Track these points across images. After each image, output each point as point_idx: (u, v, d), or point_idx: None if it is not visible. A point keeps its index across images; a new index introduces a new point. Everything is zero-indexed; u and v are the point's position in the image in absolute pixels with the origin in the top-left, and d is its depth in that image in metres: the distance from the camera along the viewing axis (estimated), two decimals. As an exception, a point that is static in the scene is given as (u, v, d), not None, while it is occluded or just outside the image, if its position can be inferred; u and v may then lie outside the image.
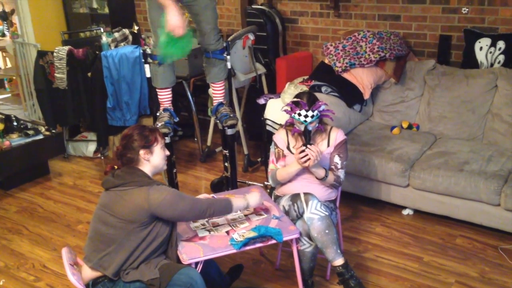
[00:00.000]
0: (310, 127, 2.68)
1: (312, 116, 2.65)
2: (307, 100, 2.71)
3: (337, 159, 2.80)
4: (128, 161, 2.29)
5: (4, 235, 3.58)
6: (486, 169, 3.23)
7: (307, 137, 2.68)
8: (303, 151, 2.62)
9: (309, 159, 2.61)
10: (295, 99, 2.74)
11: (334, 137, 2.83)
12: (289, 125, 2.84)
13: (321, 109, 2.69)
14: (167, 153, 2.40)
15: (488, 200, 3.14)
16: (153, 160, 2.31)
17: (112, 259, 2.21)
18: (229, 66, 3.37)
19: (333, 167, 2.81)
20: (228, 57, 3.32)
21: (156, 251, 2.27)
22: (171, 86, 3.28)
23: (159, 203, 2.16)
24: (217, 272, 2.64)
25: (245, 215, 2.57)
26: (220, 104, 3.34)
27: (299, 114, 2.66)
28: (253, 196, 2.53)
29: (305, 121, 2.65)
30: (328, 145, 2.83)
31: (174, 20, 2.71)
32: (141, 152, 2.27)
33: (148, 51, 3.18)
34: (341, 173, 2.81)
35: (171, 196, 2.19)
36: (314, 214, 2.56)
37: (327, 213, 2.58)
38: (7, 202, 4.06)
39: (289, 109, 2.71)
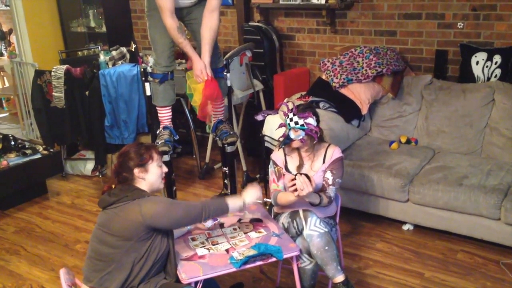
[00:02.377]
0: (292, 134, 2.65)
1: (296, 123, 2.62)
2: (302, 109, 2.69)
3: (328, 175, 2.73)
4: (124, 179, 2.29)
5: (1, 256, 3.55)
6: (486, 183, 3.22)
7: (284, 142, 2.67)
8: (294, 178, 2.54)
9: (296, 189, 2.51)
10: (291, 103, 2.72)
11: (330, 154, 2.78)
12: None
13: (307, 120, 2.63)
14: (165, 170, 2.38)
15: (488, 214, 3.13)
16: (148, 178, 2.30)
17: (113, 277, 2.19)
18: (229, 83, 3.37)
19: (324, 182, 2.75)
20: (228, 75, 3.33)
21: (155, 265, 2.25)
22: (171, 104, 3.28)
23: (152, 213, 2.14)
24: (217, 291, 2.61)
25: (245, 233, 2.55)
26: (220, 121, 3.34)
27: (287, 116, 2.66)
28: (249, 193, 2.47)
29: (289, 124, 2.64)
30: (324, 162, 2.79)
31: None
32: (136, 170, 2.27)
33: (149, 69, 3.19)
34: (331, 190, 2.72)
35: (164, 205, 2.18)
36: (313, 231, 2.54)
37: (326, 230, 2.56)
38: (5, 222, 4.04)
39: (285, 110, 2.70)
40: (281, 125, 2.77)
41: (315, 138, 2.71)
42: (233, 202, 2.39)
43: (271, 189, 2.87)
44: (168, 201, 2.23)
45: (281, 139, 2.78)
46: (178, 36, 2.96)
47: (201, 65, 2.99)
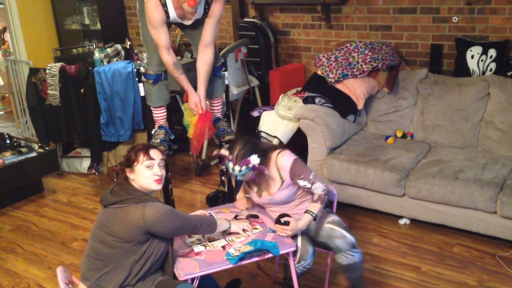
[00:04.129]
0: (239, 177, 2.54)
1: (240, 171, 2.46)
2: (239, 150, 2.46)
3: (302, 183, 2.54)
4: (125, 178, 2.31)
5: (-2, 255, 3.55)
6: (481, 176, 3.23)
7: (238, 185, 2.60)
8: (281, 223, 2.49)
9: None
10: (226, 151, 2.52)
11: (282, 167, 2.56)
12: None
13: (250, 165, 2.44)
14: (158, 172, 2.32)
15: (484, 208, 3.14)
16: (137, 179, 2.29)
17: (110, 278, 2.19)
18: (227, 82, 3.37)
19: (306, 190, 2.60)
20: (226, 73, 3.32)
21: (154, 265, 2.25)
22: (166, 104, 3.26)
23: (154, 220, 2.15)
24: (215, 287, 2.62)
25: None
26: (217, 119, 3.33)
27: (229, 165, 2.48)
28: (236, 223, 2.53)
29: (233, 171, 2.49)
30: (281, 177, 2.57)
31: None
32: (126, 170, 2.30)
33: (142, 69, 3.16)
34: (316, 189, 2.54)
35: (166, 214, 2.18)
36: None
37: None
38: (1, 221, 4.03)
39: (226, 154, 2.52)
40: (223, 163, 2.62)
41: (265, 174, 2.55)
42: (221, 224, 2.45)
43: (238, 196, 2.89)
44: (170, 210, 2.23)
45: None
46: (174, 71, 3.00)
47: (196, 99, 3.03)
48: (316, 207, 2.51)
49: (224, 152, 2.52)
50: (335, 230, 2.60)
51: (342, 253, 2.57)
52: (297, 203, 2.67)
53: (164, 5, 2.80)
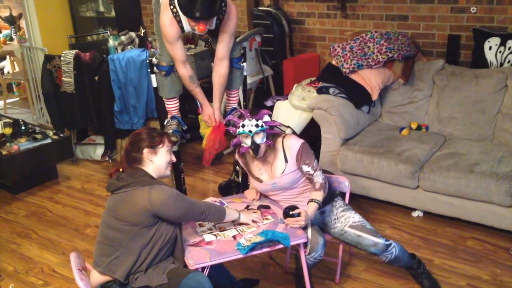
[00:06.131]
0: (257, 140, 2.52)
1: (257, 126, 2.49)
2: (250, 111, 2.58)
3: (306, 168, 2.58)
4: (133, 160, 2.30)
5: (13, 240, 3.59)
6: (497, 170, 3.19)
7: (256, 151, 2.54)
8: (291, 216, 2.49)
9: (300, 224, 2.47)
10: (237, 114, 2.57)
11: (288, 149, 2.60)
12: (238, 146, 2.68)
13: (265, 119, 2.51)
14: (173, 159, 2.39)
15: (499, 201, 3.10)
16: (156, 161, 2.30)
17: (121, 262, 2.21)
18: (245, 73, 3.35)
19: (307, 176, 2.62)
20: (245, 65, 3.30)
21: (162, 250, 2.27)
22: (178, 95, 3.26)
23: (161, 203, 2.16)
24: (228, 278, 2.62)
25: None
26: (234, 109, 3.32)
27: (243, 126, 2.52)
28: (246, 214, 2.53)
29: (250, 131, 2.50)
30: (286, 160, 2.61)
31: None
32: (145, 151, 2.28)
33: (154, 60, 3.16)
34: (317, 177, 2.58)
35: (173, 197, 2.20)
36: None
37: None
38: (16, 206, 4.08)
39: (233, 124, 2.55)
40: (236, 143, 2.62)
41: (279, 134, 2.59)
42: (230, 213, 2.45)
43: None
44: (177, 193, 2.24)
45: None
46: (190, 85, 3.06)
47: (210, 111, 3.10)
48: (319, 195, 2.56)
49: (233, 117, 2.56)
50: (363, 238, 2.64)
51: (381, 256, 2.67)
52: (299, 191, 2.69)
53: (179, 22, 2.83)
